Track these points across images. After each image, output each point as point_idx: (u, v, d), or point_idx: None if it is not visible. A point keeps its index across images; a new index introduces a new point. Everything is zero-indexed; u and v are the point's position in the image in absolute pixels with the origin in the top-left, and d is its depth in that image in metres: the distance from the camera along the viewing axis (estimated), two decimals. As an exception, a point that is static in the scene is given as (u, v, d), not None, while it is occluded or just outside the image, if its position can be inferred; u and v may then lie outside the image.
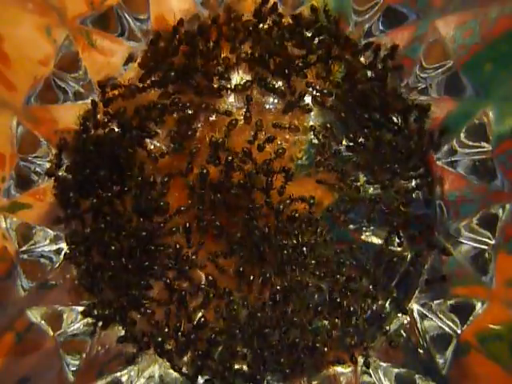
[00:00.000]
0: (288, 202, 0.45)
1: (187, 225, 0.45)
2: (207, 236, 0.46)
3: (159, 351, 0.46)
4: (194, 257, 0.46)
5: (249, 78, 0.46)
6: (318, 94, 0.46)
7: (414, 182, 0.47)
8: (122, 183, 0.45)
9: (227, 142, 0.45)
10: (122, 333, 0.46)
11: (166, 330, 0.46)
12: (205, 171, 0.44)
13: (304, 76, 0.46)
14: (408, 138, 0.46)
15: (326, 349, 0.46)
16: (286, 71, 0.46)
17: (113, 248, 0.44)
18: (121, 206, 0.45)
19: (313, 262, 0.45)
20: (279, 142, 0.46)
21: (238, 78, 0.47)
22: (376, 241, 0.47)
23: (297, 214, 0.45)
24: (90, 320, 0.45)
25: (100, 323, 0.45)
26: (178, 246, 0.45)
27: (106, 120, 0.45)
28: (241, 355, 0.46)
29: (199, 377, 0.46)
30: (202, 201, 0.45)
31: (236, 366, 0.46)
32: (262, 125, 0.45)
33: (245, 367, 0.46)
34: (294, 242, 0.45)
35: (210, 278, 0.46)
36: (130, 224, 0.45)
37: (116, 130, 0.45)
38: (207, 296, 0.46)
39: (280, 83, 0.46)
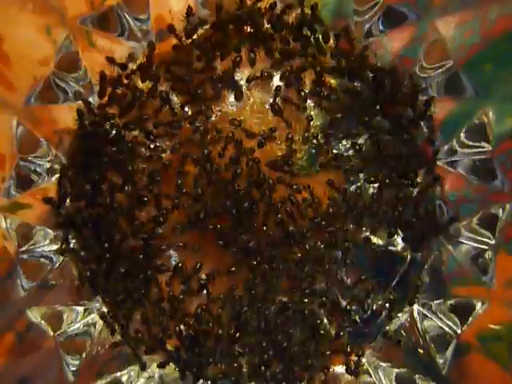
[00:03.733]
0: (287, 202, 0.45)
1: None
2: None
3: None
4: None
5: (246, 75, 0.46)
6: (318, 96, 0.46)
7: (414, 183, 0.46)
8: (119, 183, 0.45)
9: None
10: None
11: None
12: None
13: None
14: (408, 138, 0.46)
15: (325, 349, 0.46)
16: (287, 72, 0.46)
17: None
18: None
19: (312, 262, 0.45)
20: (279, 142, 0.46)
21: (237, 77, 0.46)
22: (376, 241, 0.47)
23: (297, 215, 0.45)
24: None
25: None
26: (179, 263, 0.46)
27: (104, 120, 0.45)
28: (240, 355, 0.46)
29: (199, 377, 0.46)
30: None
31: (236, 366, 0.46)
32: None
33: (244, 367, 0.46)
34: (294, 241, 0.45)
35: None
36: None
37: (115, 130, 0.45)
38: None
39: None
